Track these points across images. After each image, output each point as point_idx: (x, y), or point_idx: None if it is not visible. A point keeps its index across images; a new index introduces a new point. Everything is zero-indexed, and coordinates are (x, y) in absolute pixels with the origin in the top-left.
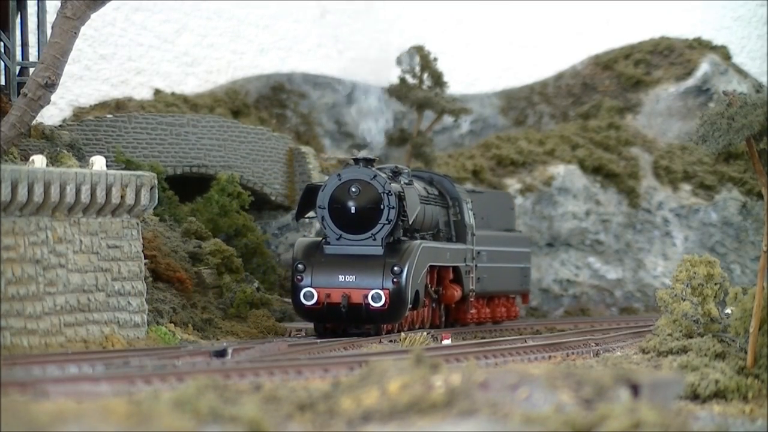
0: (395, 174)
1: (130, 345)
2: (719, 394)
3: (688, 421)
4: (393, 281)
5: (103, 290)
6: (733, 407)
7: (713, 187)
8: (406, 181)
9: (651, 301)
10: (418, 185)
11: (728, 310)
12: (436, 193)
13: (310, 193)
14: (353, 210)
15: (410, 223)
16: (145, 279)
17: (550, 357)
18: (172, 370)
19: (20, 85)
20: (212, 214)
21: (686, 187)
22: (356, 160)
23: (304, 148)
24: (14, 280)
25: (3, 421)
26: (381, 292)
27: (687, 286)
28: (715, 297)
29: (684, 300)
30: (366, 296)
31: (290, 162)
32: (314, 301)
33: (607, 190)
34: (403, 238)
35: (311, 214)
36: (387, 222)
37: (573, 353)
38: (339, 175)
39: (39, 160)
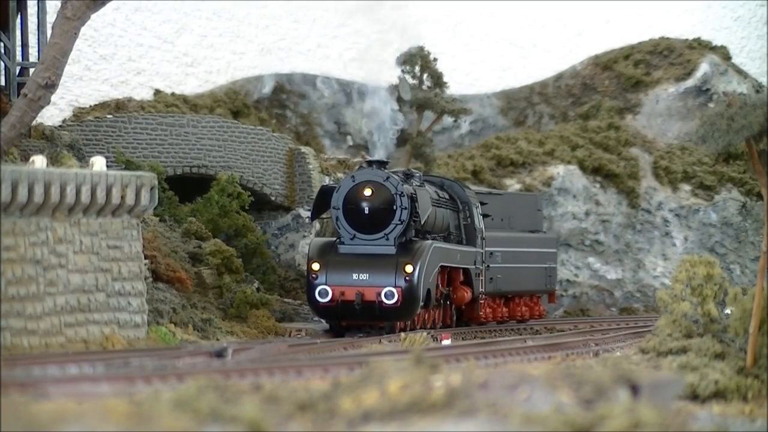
0: (407, 177)
1: (130, 345)
2: (719, 395)
3: (688, 421)
4: (405, 279)
5: (103, 290)
6: (733, 407)
7: (713, 187)
8: (418, 184)
9: (651, 301)
10: (430, 189)
11: (728, 311)
12: (447, 197)
13: (325, 194)
14: (367, 210)
15: (422, 223)
16: (145, 279)
17: (550, 357)
18: (173, 370)
19: (20, 85)
20: (212, 215)
21: (686, 187)
22: (369, 163)
23: (304, 149)
24: (14, 280)
25: (3, 421)
26: (394, 290)
27: (687, 286)
28: (714, 297)
29: (684, 300)
30: (379, 294)
31: (290, 162)
32: (329, 298)
33: (607, 191)
34: (414, 239)
35: (325, 214)
36: (399, 222)
37: (573, 353)
38: (353, 176)
39: (39, 161)
